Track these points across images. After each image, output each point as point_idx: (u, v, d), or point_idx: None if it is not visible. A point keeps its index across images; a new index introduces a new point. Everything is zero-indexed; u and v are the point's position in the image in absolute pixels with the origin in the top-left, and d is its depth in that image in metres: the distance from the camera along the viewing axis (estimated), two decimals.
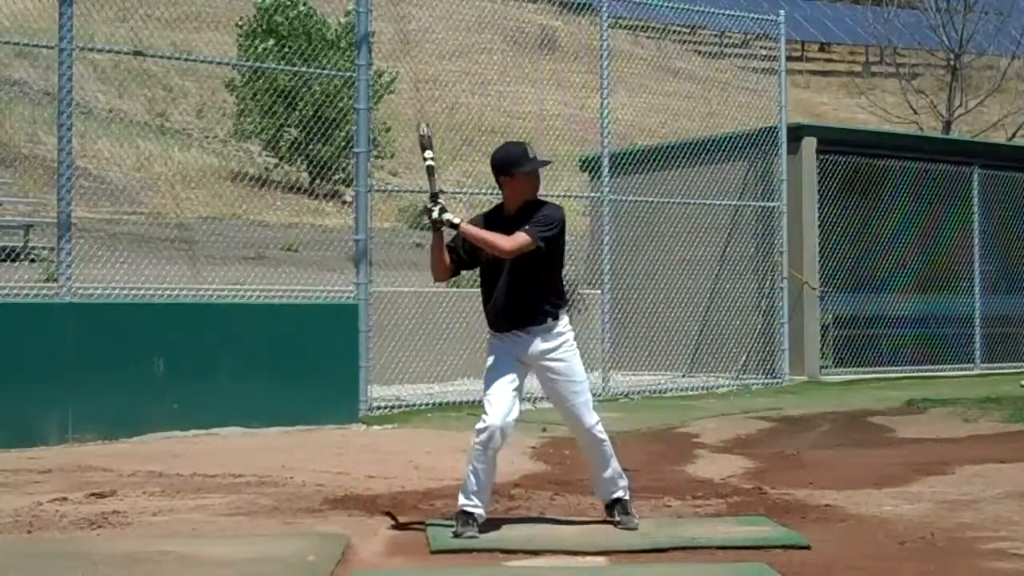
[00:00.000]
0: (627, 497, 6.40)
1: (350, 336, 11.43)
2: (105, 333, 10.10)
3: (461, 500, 6.13)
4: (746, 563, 5.63)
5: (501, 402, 6.10)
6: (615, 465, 6.37)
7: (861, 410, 12.63)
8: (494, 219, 6.27)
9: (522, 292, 6.12)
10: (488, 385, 6.17)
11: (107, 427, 9.90)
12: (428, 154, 6.17)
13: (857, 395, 14.11)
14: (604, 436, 6.32)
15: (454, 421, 11.40)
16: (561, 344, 6.21)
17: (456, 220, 6.08)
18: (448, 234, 6.20)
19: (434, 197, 6.08)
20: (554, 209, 6.22)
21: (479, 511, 6.10)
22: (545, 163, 6.39)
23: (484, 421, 6.09)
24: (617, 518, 6.33)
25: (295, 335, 10.98)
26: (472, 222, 6.28)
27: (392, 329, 13.21)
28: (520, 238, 6.05)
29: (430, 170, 6.15)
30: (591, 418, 6.27)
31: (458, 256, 6.27)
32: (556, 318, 6.20)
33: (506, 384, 6.13)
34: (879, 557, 5.77)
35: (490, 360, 6.23)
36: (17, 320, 9.91)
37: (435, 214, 6.05)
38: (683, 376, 15.71)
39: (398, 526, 6.47)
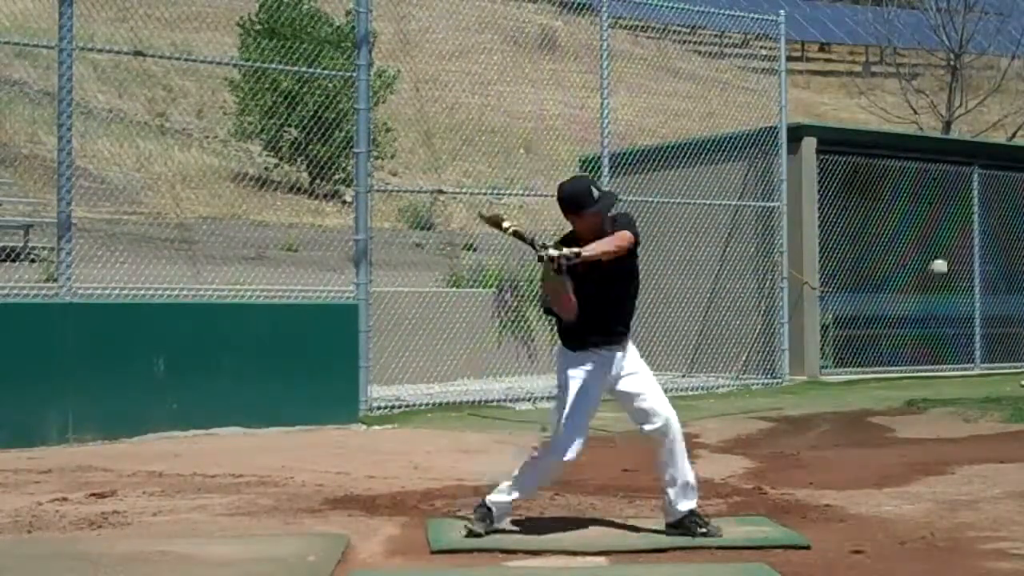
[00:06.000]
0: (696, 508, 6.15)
1: (350, 336, 11.43)
2: (105, 333, 10.10)
3: (491, 497, 6.11)
4: (746, 563, 5.63)
5: (578, 435, 6.01)
6: (687, 468, 6.14)
7: (861, 410, 12.63)
8: (571, 245, 5.86)
9: (623, 308, 6.22)
10: (574, 411, 6.01)
11: (107, 427, 9.90)
12: (505, 224, 5.87)
13: (857, 395, 14.10)
14: (678, 428, 6.14)
15: (454, 421, 11.40)
16: (631, 347, 6.29)
17: (576, 248, 5.69)
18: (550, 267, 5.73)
19: (541, 246, 5.67)
20: (627, 217, 6.16)
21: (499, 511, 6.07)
22: (612, 198, 6.08)
23: (557, 449, 6.02)
24: (702, 529, 6.03)
25: (295, 335, 10.99)
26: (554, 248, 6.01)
27: (392, 329, 13.21)
28: (625, 236, 5.97)
29: (517, 234, 5.83)
30: (669, 409, 6.14)
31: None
32: None
33: (589, 414, 6.08)
34: (879, 557, 5.77)
35: (577, 384, 6.01)
36: (17, 320, 9.91)
37: (561, 253, 5.62)
38: (683, 376, 15.69)
39: (398, 527, 6.47)
